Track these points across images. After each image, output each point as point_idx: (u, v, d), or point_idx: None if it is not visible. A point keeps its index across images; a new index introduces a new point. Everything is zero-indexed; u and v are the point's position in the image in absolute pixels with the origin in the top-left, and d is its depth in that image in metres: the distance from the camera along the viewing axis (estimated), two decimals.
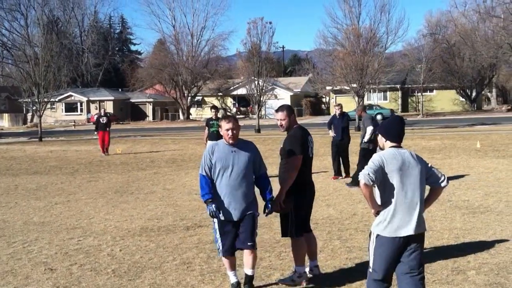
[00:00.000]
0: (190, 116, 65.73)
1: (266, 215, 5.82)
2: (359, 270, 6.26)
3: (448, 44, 57.70)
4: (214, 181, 5.62)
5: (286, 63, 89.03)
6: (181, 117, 66.29)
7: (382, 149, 4.86)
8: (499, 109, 55.09)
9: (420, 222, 4.61)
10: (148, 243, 7.98)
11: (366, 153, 12.24)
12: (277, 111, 6.27)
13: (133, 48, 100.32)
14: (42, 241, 8.23)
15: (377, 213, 4.66)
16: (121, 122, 61.46)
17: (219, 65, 67.57)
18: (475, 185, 11.84)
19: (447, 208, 9.51)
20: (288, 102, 63.03)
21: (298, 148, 5.95)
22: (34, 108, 35.76)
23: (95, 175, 16.10)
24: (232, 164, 5.56)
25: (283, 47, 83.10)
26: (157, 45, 76.47)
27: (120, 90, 75.61)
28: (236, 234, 5.64)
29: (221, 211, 5.56)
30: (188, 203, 11.00)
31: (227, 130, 5.59)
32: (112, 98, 68.76)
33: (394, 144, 4.75)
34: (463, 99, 60.04)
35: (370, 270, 4.75)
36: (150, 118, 69.42)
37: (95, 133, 23.62)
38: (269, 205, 5.69)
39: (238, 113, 64.36)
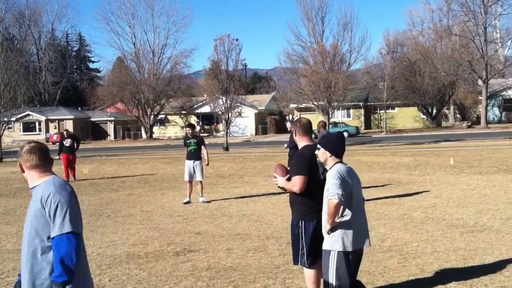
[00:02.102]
0: (153, 135, 64.77)
1: None
2: None
3: (409, 62, 58.74)
4: None
5: (247, 81, 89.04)
6: (144, 135, 65.27)
7: (322, 164, 4.85)
8: (460, 125, 56.18)
9: (368, 234, 4.85)
10: (138, 271, 7.41)
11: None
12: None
13: (91, 65, 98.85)
14: None
15: (331, 230, 4.66)
16: (82, 142, 59.98)
17: (182, 83, 67.01)
18: (464, 202, 11.68)
19: (444, 227, 9.26)
20: (253, 120, 62.95)
21: (303, 168, 5.41)
22: None
23: None
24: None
25: (245, 65, 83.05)
26: (116, 62, 75.41)
27: (79, 108, 74.02)
28: None
29: None
30: (172, 226, 10.45)
31: None
32: (72, 117, 67.20)
33: (338, 159, 4.78)
34: (424, 116, 61.08)
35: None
36: (112, 137, 68.10)
37: (58, 157, 19.56)
38: None
39: (202, 131, 63.79)
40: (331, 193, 4.51)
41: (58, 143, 20.94)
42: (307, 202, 5.46)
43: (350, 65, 43.06)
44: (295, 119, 50.66)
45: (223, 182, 17.49)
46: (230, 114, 36.04)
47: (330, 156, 4.77)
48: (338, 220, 4.62)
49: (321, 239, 5.66)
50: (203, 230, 9.92)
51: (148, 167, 24.42)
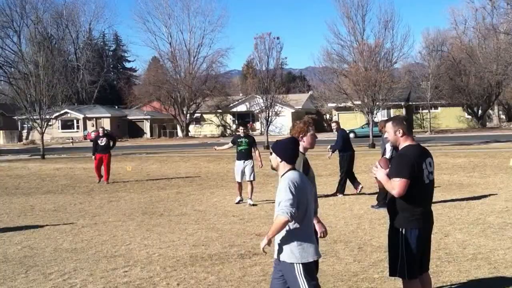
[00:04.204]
0: (189, 133, 64.78)
1: None
2: None
3: (453, 61, 57.21)
4: None
5: (283, 80, 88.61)
6: (180, 134, 65.32)
7: (274, 169, 4.63)
8: (508, 126, 54.48)
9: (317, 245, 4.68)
10: (206, 274, 6.95)
11: None
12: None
13: (127, 65, 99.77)
14: (82, 272, 7.17)
15: (269, 242, 4.46)
16: (119, 140, 60.47)
17: (218, 82, 66.83)
18: None
19: None
20: (290, 119, 62.29)
21: (404, 170, 4.83)
22: (35, 124, 34.62)
23: (113, 194, 15.04)
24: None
25: (281, 64, 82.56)
26: (152, 62, 75.76)
27: (116, 107, 74.60)
28: None
29: None
30: (229, 227, 9.98)
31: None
32: (109, 115, 67.73)
33: (290, 166, 4.53)
34: (469, 116, 59.44)
35: None
36: (148, 135, 68.40)
37: (93, 156, 18.19)
38: None
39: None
40: (282, 209, 4.29)
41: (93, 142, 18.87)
42: (410, 208, 4.89)
43: (392, 64, 41.93)
44: (334, 118, 49.51)
45: (272, 181, 16.97)
46: (270, 112, 35.54)
47: (280, 162, 4.53)
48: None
49: (423, 248, 5.07)
50: (264, 232, 9.41)
51: (190, 165, 24.09)
